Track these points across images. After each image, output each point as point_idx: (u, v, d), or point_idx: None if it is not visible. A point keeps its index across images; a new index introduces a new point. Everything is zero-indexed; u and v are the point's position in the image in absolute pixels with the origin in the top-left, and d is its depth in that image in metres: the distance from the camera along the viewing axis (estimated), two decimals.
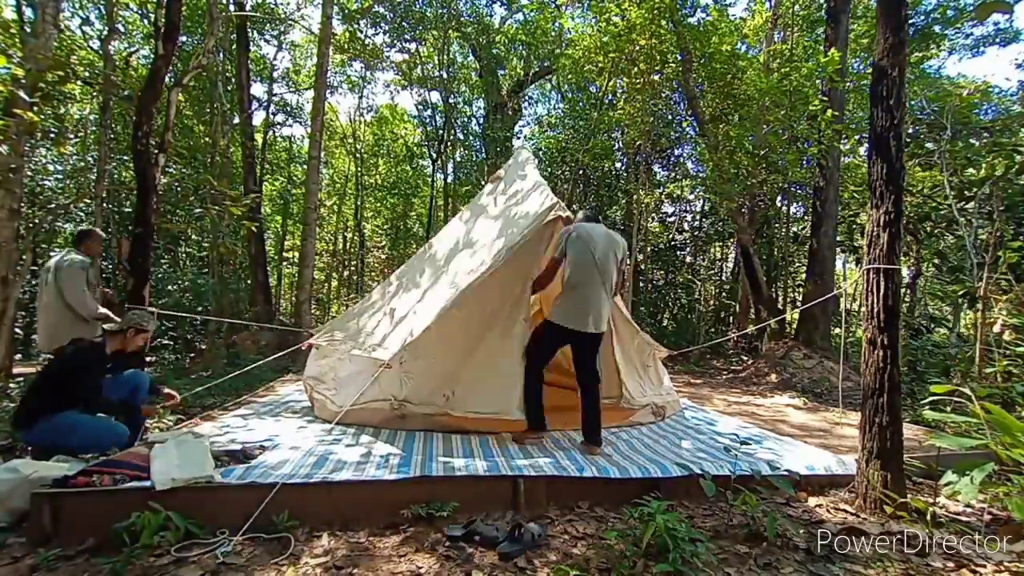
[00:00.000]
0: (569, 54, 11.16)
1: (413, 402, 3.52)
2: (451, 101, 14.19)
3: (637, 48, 9.32)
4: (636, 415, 4.05)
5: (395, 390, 3.52)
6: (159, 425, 3.73)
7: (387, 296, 4.46)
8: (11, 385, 5.06)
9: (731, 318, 14.00)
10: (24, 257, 6.80)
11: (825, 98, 8.00)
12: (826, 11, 9.06)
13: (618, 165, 13.71)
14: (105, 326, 3.52)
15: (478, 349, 3.65)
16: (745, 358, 10.59)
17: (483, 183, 5.63)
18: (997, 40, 13.93)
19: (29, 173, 7.44)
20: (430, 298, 3.77)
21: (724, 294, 15.03)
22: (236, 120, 10.79)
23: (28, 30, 6.23)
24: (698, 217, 15.79)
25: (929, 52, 12.97)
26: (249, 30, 11.22)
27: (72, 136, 8.74)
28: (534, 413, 3.35)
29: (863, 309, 2.83)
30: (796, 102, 8.20)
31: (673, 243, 15.01)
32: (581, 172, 12.30)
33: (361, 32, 12.07)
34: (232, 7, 10.22)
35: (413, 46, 13.20)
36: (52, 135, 6.22)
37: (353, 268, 18.04)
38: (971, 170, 6.47)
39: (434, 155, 14.88)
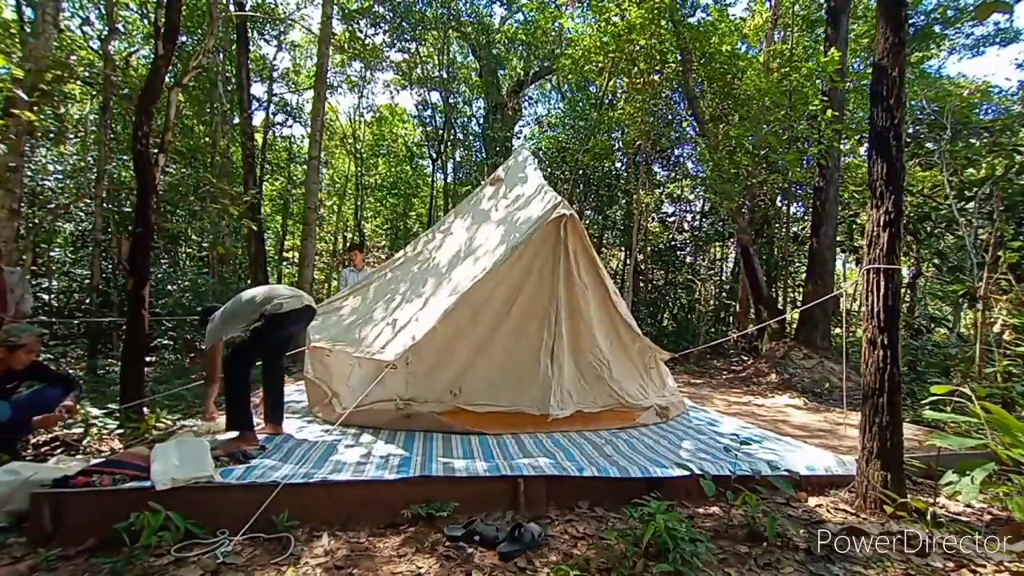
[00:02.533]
0: (569, 54, 11.14)
1: (419, 400, 3.52)
2: (451, 101, 14.18)
3: (637, 48, 9.32)
4: (640, 417, 4.05)
5: (400, 390, 3.52)
6: (158, 424, 3.72)
7: (390, 306, 4.43)
8: None
9: (731, 318, 13.98)
10: (24, 257, 6.80)
11: (825, 98, 7.99)
12: (826, 11, 9.06)
13: (618, 165, 13.69)
14: None
15: (487, 347, 3.66)
16: (745, 358, 10.58)
17: (482, 183, 5.60)
18: (997, 40, 13.93)
19: (29, 173, 7.43)
20: (433, 304, 3.78)
21: (724, 294, 15.01)
22: (236, 120, 10.79)
23: (28, 30, 6.24)
24: (698, 217, 15.77)
25: (929, 52, 12.98)
26: (249, 30, 11.22)
27: (72, 136, 8.74)
28: None
29: (863, 309, 2.83)
30: (796, 102, 8.20)
31: (673, 243, 15.00)
32: (581, 172, 12.28)
33: (361, 32, 12.06)
34: (232, 7, 10.21)
35: (413, 46, 13.19)
36: (52, 135, 6.22)
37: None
38: (971, 170, 6.47)
39: (434, 155, 14.87)
